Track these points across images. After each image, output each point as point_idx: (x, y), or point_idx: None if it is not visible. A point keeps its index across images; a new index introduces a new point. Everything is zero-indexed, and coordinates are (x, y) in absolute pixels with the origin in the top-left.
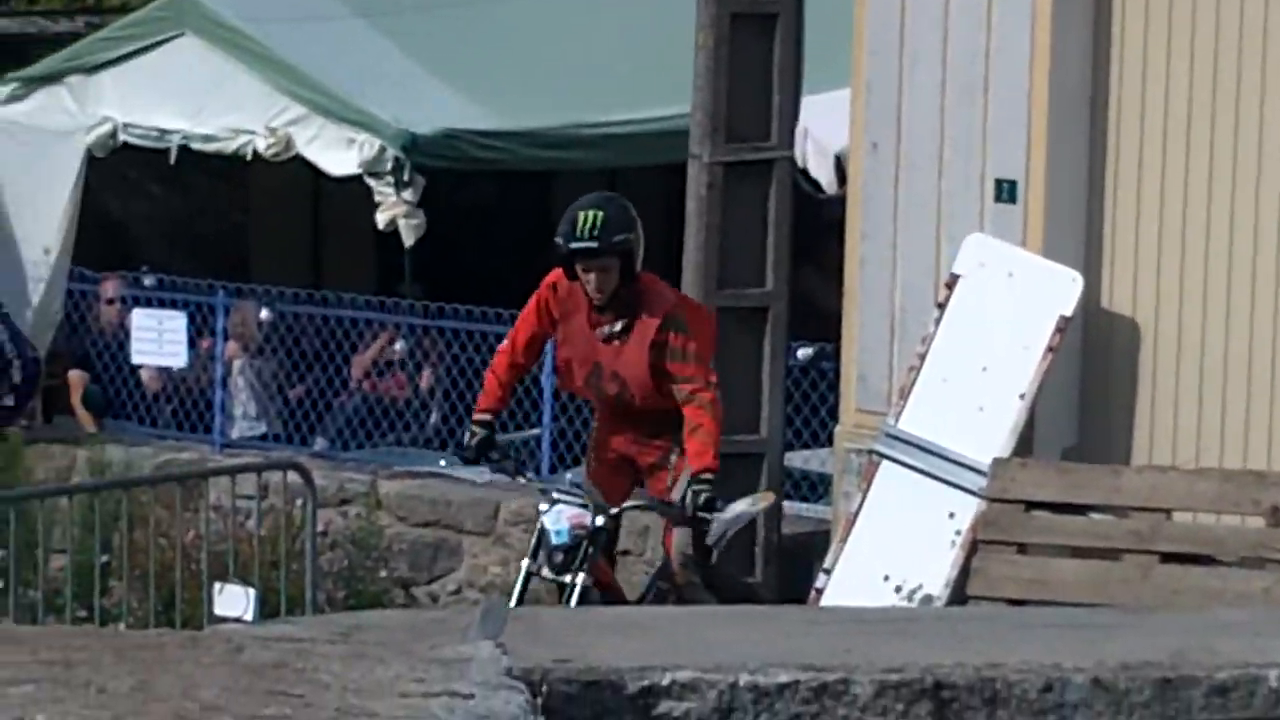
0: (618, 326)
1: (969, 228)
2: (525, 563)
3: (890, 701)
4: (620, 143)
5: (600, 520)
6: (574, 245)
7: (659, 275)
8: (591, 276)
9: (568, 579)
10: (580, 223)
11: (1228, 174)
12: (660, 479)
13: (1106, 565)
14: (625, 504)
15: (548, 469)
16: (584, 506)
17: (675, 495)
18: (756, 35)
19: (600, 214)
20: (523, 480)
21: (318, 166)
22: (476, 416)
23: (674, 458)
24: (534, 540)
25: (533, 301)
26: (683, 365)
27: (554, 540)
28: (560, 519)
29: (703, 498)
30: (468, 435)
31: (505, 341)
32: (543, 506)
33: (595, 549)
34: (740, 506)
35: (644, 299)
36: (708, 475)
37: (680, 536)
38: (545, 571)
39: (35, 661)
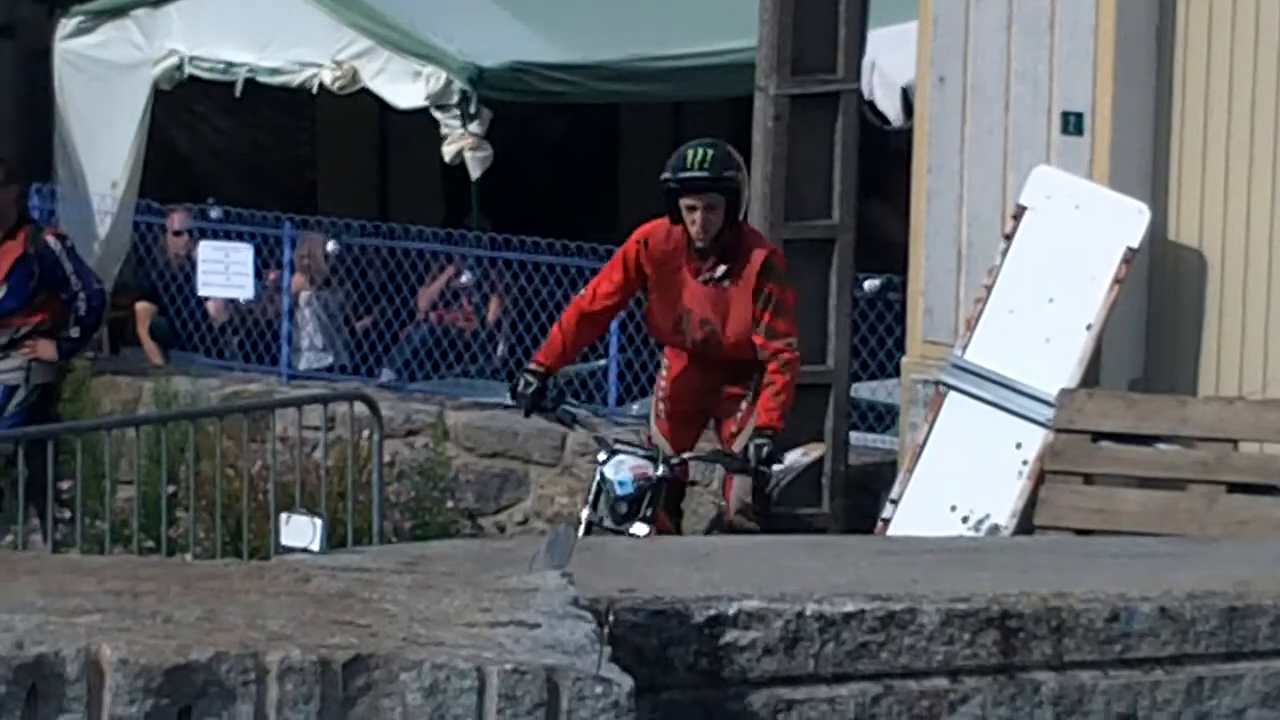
0: (719, 271)
1: (1035, 160)
2: (585, 513)
3: (956, 631)
4: (687, 76)
5: (662, 470)
6: (684, 175)
7: None
8: (698, 215)
9: (631, 529)
10: (691, 157)
11: None
12: (727, 426)
13: (1173, 495)
14: (686, 454)
15: (614, 401)
16: (647, 457)
17: (738, 445)
18: None
19: (711, 151)
20: (580, 431)
21: (384, 99)
22: (532, 366)
23: (744, 404)
24: (593, 490)
25: (619, 256)
26: (776, 319)
27: (618, 491)
28: (623, 469)
29: (764, 451)
30: (521, 383)
31: (583, 292)
32: (601, 456)
33: (658, 499)
34: (792, 457)
35: (745, 246)
36: (770, 432)
37: (739, 485)
38: (607, 522)
39: (102, 591)
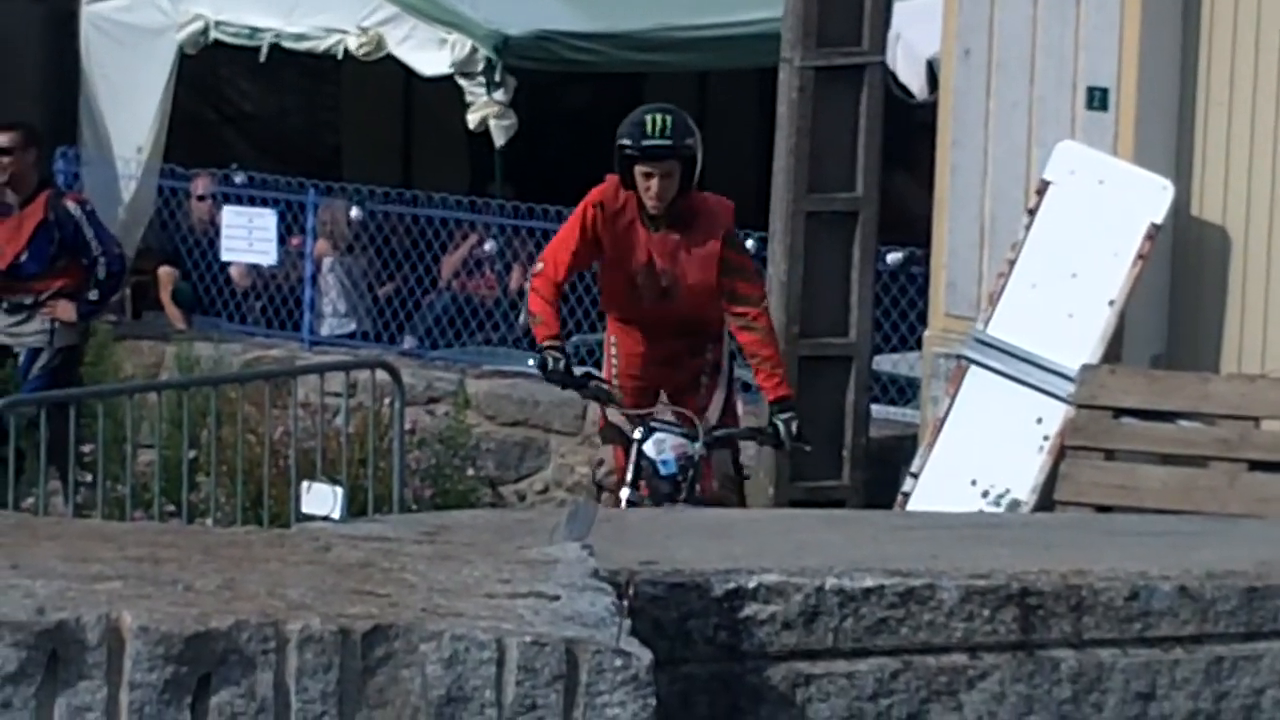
0: (674, 236)
1: (1060, 135)
2: (625, 493)
3: (976, 607)
4: (712, 46)
5: (700, 447)
6: (646, 143)
7: (751, 180)
8: (654, 182)
9: (675, 508)
10: (650, 124)
11: None
12: (690, 403)
13: (1193, 472)
14: (719, 431)
15: None
16: (684, 434)
17: (711, 418)
18: None
19: (670, 118)
20: (614, 410)
21: (409, 66)
22: (549, 344)
23: (704, 379)
24: (632, 470)
25: (574, 223)
26: (744, 283)
27: (663, 470)
28: (664, 448)
29: (795, 426)
30: (549, 362)
31: (542, 266)
32: (637, 434)
33: (697, 478)
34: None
35: (700, 213)
36: (790, 403)
37: (720, 459)
38: (647, 503)
39: (123, 558)
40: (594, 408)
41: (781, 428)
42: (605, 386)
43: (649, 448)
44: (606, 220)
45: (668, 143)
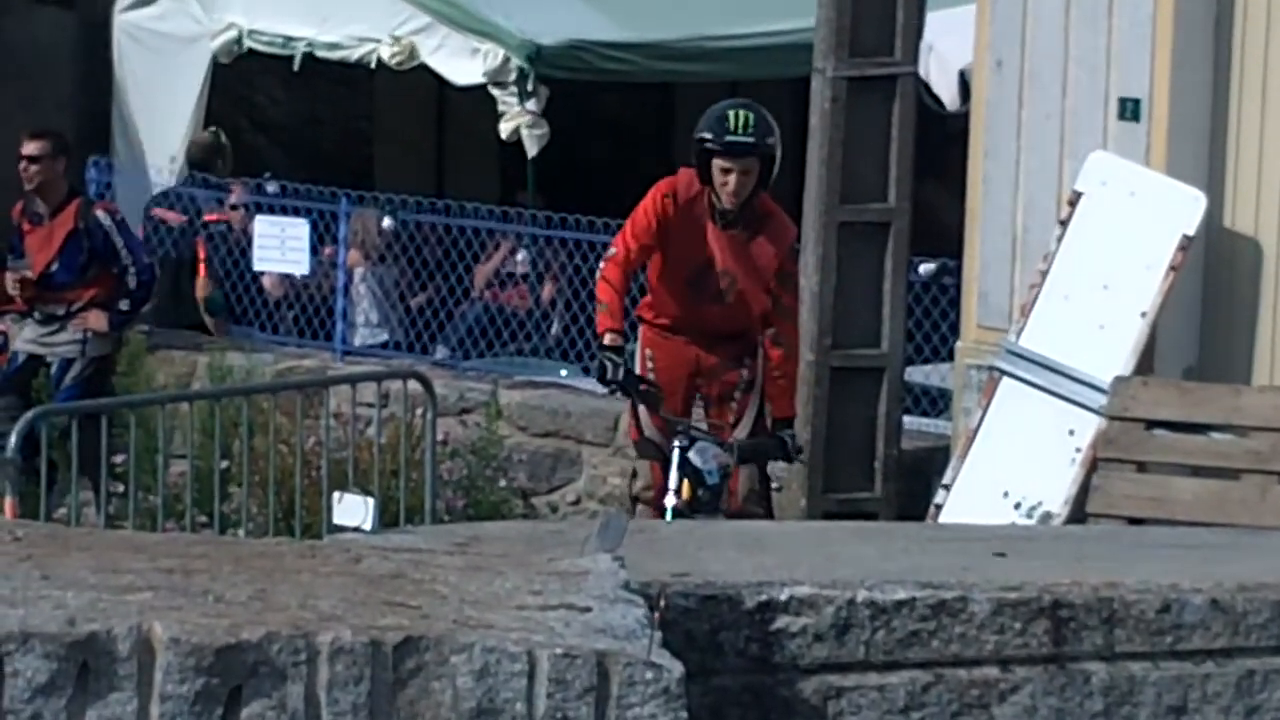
0: (741, 236)
1: (1092, 146)
2: (670, 500)
3: (1007, 620)
4: (744, 56)
5: (732, 459)
6: (729, 139)
7: (784, 190)
8: (732, 178)
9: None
10: (733, 119)
11: None
12: (724, 414)
13: (1226, 485)
14: (743, 440)
15: None
16: (720, 445)
17: (740, 434)
18: None
19: (751, 115)
20: (674, 423)
21: (442, 75)
22: (612, 343)
23: (738, 394)
24: (676, 478)
25: (647, 210)
26: (790, 296)
27: (709, 480)
28: (708, 457)
29: (797, 441)
30: (609, 367)
31: (616, 251)
32: (680, 442)
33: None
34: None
35: (769, 219)
36: (792, 420)
37: (748, 472)
38: (685, 511)
39: (154, 569)
40: (625, 419)
41: (790, 441)
42: (657, 393)
43: (695, 457)
44: (678, 211)
45: (750, 140)
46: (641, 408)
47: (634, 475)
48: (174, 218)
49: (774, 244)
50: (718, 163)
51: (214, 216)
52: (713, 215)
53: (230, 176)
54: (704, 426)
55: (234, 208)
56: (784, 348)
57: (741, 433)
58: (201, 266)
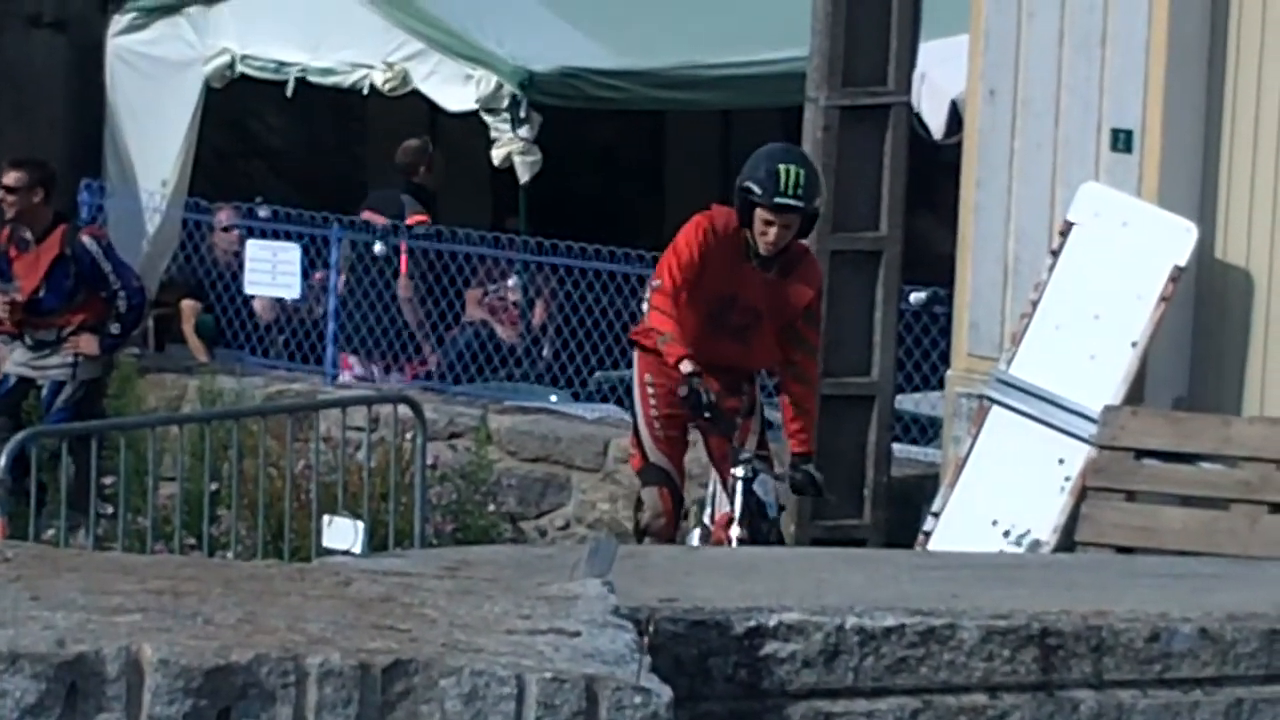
0: (772, 276)
1: (1084, 176)
2: (735, 532)
3: (996, 648)
4: (737, 84)
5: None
6: (779, 200)
7: None
8: (773, 230)
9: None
10: (785, 178)
11: None
12: (723, 442)
13: (1215, 515)
14: (799, 471)
15: None
16: (774, 476)
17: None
18: None
19: (803, 172)
20: (736, 452)
21: (434, 101)
22: (690, 370)
23: (739, 420)
24: (740, 507)
25: (691, 239)
26: (815, 333)
27: (769, 513)
28: (768, 489)
29: (819, 477)
30: (705, 394)
31: (663, 282)
32: (740, 472)
33: None
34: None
35: (801, 261)
36: (812, 457)
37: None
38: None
39: (143, 590)
40: (616, 443)
41: (818, 476)
42: (731, 420)
43: (759, 489)
44: (716, 244)
45: (800, 203)
46: (645, 434)
47: (639, 506)
48: (379, 220)
49: (807, 284)
50: (761, 214)
51: (415, 219)
52: (747, 254)
53: (433, 185)
54: (764, 455)
55: (225, 229)
56: (806, 384)
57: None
58: (404, 267)
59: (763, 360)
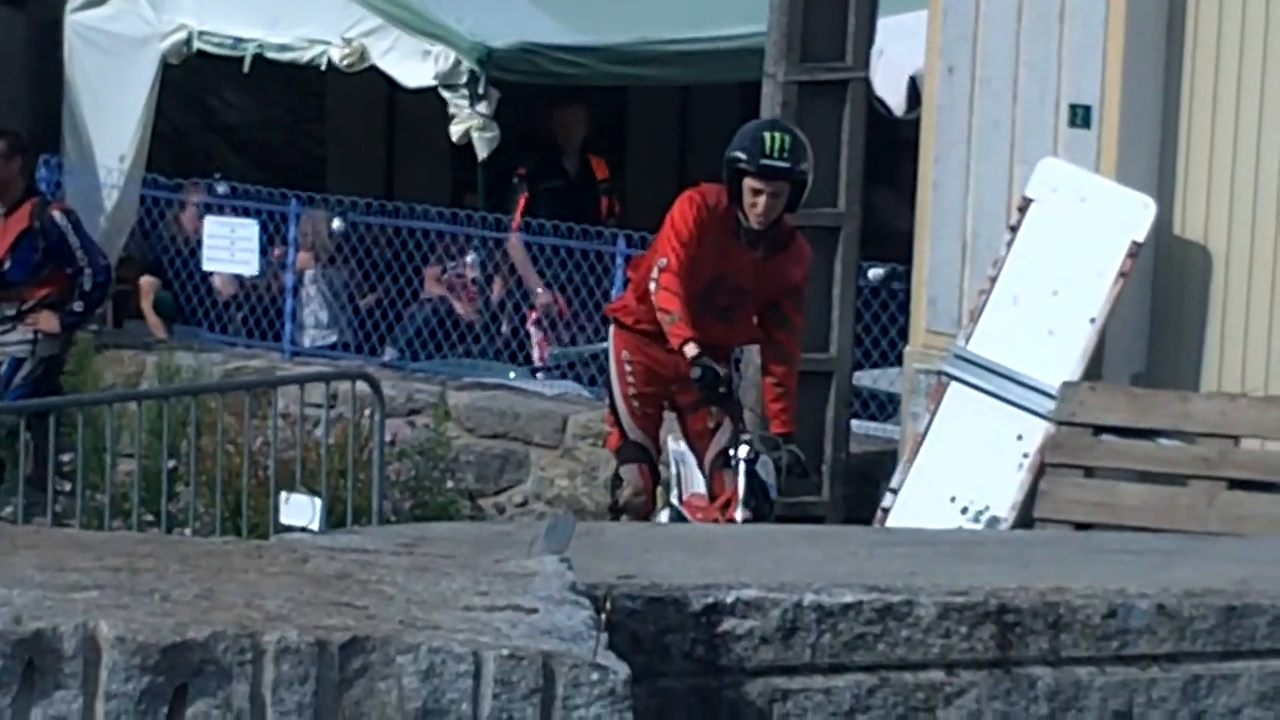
0: (761, 255)
1: (1042, 152)
2: (740, 514)
3: (953, 624)
4: (695, 60)
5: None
6: (763, 162)
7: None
8: (762, 199)
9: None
10: (770, 142)
11: None
12: (701, 419)
13: (1173, 491)
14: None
15: None
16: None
17: (722, 439)
18: None
19: (789, 137)
20: (739, 433)
21: (392, 78)
22: (697, 353)
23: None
24: (743, 489)
25: (687, 217)
26: (799, 315)
27: (772, 494)
28: (769, 471)
29: (802, 458)
30: (717, 374)
31: (669, 260)
32: (744, 453)
33: None
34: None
35: (791, 242)
36: (794, 437)
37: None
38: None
39: (100, 567)
40: (575, 420)
41: (803, 456)
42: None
43: (762, 471)
44: (708, 221)
45: (785, 165)
46: (623, 412)
47: (617, 482)
48: None
49: (795, 264)
50: (749, 183)
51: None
52: (737, 233)
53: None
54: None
55: (184, 206)
56: (788, 364)
57: (723, 438)
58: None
59: (742, 339)
